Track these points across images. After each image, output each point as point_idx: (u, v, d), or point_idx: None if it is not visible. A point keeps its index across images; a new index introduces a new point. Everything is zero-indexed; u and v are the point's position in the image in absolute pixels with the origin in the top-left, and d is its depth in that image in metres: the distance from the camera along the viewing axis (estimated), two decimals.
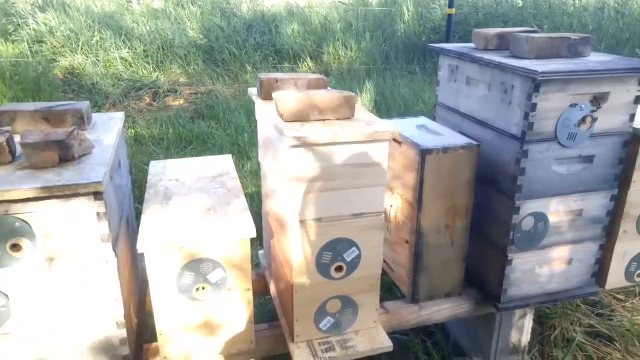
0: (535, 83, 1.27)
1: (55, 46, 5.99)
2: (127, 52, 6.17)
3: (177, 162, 1.75)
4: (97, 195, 1.09)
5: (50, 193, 1.03)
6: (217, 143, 3.83)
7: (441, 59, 1.72)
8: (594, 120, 1.36)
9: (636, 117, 1.42)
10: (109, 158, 1.21)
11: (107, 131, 1.42)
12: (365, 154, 1.23)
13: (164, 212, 1.33)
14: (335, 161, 1.22)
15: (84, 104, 1.45)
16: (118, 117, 1.59)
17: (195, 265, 1.25)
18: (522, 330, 1.72)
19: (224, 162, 1.73)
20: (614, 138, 1.42)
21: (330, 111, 1.26)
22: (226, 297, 1.31)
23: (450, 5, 3.02)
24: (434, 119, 1.80)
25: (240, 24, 7.06)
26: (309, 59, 6.43)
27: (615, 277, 1.63)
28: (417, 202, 1.45)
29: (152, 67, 6.06)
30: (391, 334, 1.60)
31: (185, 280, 1.26)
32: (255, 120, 1.57)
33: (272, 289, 1.65)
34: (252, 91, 1.61)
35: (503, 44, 1.56)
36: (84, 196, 1.08)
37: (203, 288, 1.28)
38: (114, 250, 1.17)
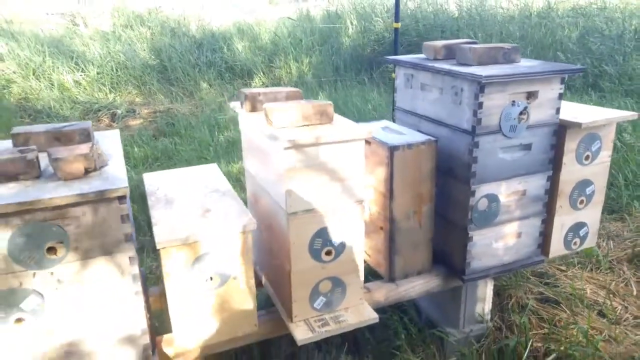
0: (481, 85, 1.55)
1: (6, 73, 5.89)
2: (81, 75, 6.17)
3: (167, 172, 1.90)
4: (121, 199, 1.25)
5: (86, 199, 1.18)
6: (184, 158, 3.95)
7: (397, 69, 1.98)
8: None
9: (561, 110, 1.73)
10: (124, 167, 1.37)
11: (112, 146, 1.57)
12: (345, 151, 1.45)
13: (171, 214, 1.50)
14: (320, 159, 1.43)
15: (88, 124, 1.59)
16: (115, 134, 1.74)
17: (205, 258, 1.43)
18: (484, 300, 1.98)
19: (211, 170, 1.91)
20: (545, 128, 1.72)
21: (313, 118, 1.48)
22: (232, 286, 1.49)
23: (396, 20, 3.32)
24: (393, 121, 2.05)
25: (191, 43, 7.19)
26: (261, 74, 6.63)
27: (557, 247, 1.92)
28: (389, 193, 1.69)
29: (108, 89, 6.08)
30: None
31: (196, 272, 1.43)
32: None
33: (264, 280, 1.83)
34: (235, 105, 1.80)
35: (450, 53, 1.84)
36: (111, 201, 1.24)
37: (211, 278, 1.46)
38: (135, 248, 1.33)
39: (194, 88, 6.30)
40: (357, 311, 1.62)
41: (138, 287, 1.36)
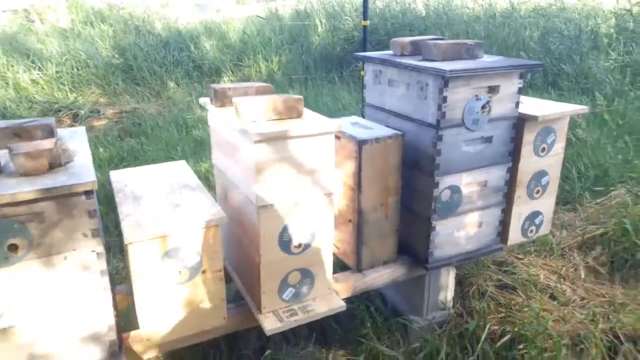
0: (445, 80, 1.60)
1: None
2: (38, 74, 5.99)
3: (134, 169, 1.89)
4: (88, 194, 1.25)
5: (51, 194, 1.17)
6: (151, 158, 3.90)
7: (366, 66, 2.02)
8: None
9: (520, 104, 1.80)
10: (91, 162, 1.36)
11: (77, 142, 1.56)
12: (315, 145, 1.48)
13: (139, 209, 1.50)
14: (290, 152, 1.46)
15: (51, 120, 1.57)
16: (81, 131, 1.72)
17: (174, 253, 1.43)
18: (447, 288, 2.04)
19: (180, 167, 1.91)
20: (505, 121, 1.79)
21: (283, 112, 1.50)
22: (201, 280, 1.50)
23: (365, 18, 3.38)
24: (363, 117, 2.09)
25: (157, 41, 7.08)
26: (230, 72, 6.60)
27: (515, 235, 2.00)
28: (358, 186, 1.73)
29: (68, 88, 5.93)
30: None
31: (165, 266, 1.43)
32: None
33: (234, 274, 1.84)
34: (205, 100, 1.80)
35: (416, 50, 1.89)
36: (77, 196, 1.23)
37: (180, 273, 1.46)
38: (103, 244, 1.32)
39: (161, 88, 6.21)
40: (325, 300, 1.66)
41: (106, 282, 1.35)
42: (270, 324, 1.55)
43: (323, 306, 1.63)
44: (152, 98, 6.01)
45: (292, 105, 1.50)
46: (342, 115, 4.48)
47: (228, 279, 1.90)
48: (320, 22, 7.39)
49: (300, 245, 1.57)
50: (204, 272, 1.49)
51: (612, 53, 5.86)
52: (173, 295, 1.47)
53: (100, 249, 1.31)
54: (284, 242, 1.54)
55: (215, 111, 1.69)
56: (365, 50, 3.57)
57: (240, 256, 1.74)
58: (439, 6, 7.56)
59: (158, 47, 6.88)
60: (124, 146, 4.25)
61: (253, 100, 1.48)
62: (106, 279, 1.35)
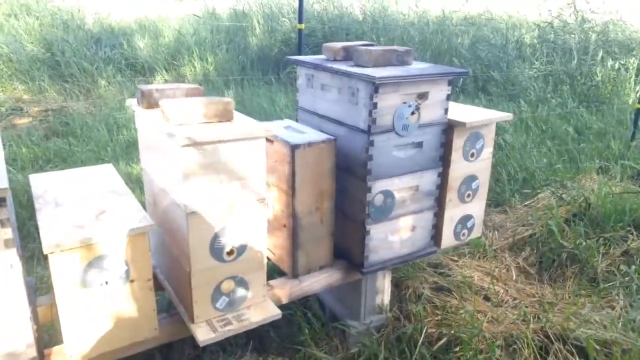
0: (375, 86, 1.63)
1: None
2: None
3: (57, 173, 1.79)
4: (0, 201, 1.16)
5: None
6: (79, 159, 3.72)
7: (299, 69, 2.02)
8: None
9: (449, 110, 1.86)
10: (4, 167, 1.26)
11: None
12: (245, 150, 1.46)
13: (61, 217, 1.41)
14: (220, 157, 1.43)
15: None
16: None
17: (99, 262, 1.36)
18: (383, 292, 2.08)
19: (107, 171, 1.82)
20: (435, 127, 1.84)
21: (212, 115, 1.47)
22: (130, 289, 1.43)
23: (300, 21, 3.38)
24: (296, 121, 2.09)
25: (87, 37, 6.75)
26: (164, 71, 6.40)
27: (448, 238, 2.07)
28: (292, 190, 1.72)
29: None
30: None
31: (90, 277, 1.36)
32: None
33: (166, 282, 1.78)
34: (132, 102, 1.73)
35: (348, 55, 1.90)
36: None
37: (106, 282, 1.39)
38: (18, 255, 1.23)
39: (91, 85, 5.91)
40: (260, 308, 1.64)
41: (23, 296, 1.27)
42: (203, 334, 1.51)
43: (258, 314, 1.61)
44: (82, 96, 5.71)
45: (221, 109, 1.47)
46: (279, 117, 4.47)
47: (160, 287, 1.84)
48: (258, 22, 7.33)
49: (232, 252, 1.54)
50: (132, 281, 1.43)
51: (536, 62, 6.22)
52: (99, 306, 1.40)
53: (16, 260, 1.23)
54: (216, 249, 1.50)
55: (143, 113, 1.63)
56: (300, 54, 3.58)
57: (171, 264, 1.68)
58: (374, 11, 7.71)
59: (88, 43, 6.56)
60: (50, 146, 4.01)
61: (181, 102, 1.44)
62: (23, 292, 1.26)
